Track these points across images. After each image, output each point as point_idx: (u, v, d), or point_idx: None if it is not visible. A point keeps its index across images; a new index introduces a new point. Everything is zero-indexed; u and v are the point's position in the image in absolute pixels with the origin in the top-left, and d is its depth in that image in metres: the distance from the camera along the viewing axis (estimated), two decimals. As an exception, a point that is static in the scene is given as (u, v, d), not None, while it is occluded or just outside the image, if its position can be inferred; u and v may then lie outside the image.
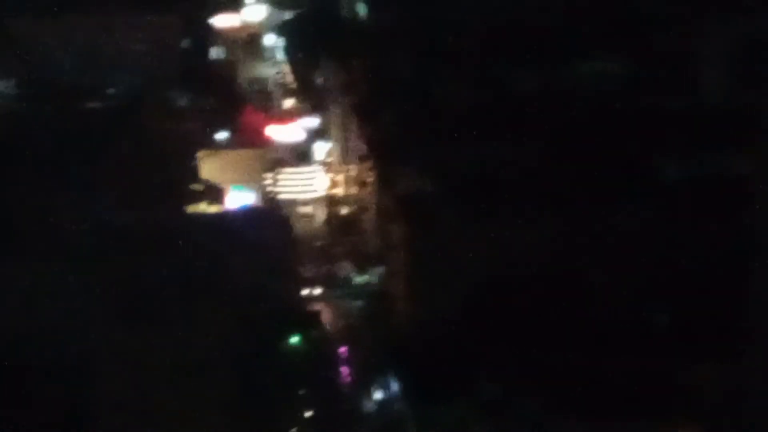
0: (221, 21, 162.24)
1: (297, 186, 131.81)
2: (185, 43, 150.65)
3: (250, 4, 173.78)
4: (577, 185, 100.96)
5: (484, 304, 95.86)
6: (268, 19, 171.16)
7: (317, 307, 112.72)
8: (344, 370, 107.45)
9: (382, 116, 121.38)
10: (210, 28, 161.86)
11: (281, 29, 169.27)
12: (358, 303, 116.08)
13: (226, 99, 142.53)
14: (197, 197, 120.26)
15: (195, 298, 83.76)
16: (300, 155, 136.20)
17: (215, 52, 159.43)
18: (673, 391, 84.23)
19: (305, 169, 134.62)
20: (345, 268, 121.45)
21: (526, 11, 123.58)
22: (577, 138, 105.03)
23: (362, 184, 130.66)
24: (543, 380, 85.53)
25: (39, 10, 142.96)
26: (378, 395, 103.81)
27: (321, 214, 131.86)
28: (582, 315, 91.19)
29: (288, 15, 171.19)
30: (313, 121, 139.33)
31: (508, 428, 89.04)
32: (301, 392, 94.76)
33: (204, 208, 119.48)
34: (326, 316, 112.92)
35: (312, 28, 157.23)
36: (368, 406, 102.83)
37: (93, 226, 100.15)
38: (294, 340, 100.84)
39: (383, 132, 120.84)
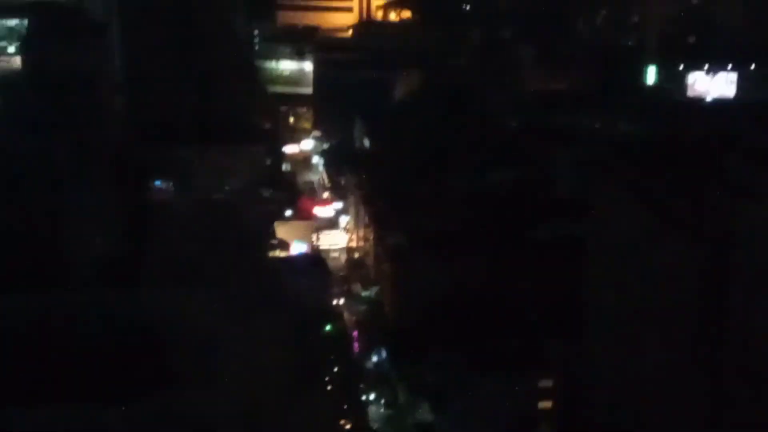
0: (290, 149, 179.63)
1: (329, 241, 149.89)
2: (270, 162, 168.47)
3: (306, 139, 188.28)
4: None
5: (434, 310, 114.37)
6: (314, 148, 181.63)
7: (341, 309, 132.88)
8: (356, 346, 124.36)
9: (376, 207, 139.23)
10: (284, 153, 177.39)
11: (320, 154, 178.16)
12: (364, 307, 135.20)
13: (292, 192, 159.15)
14: (276, 246, 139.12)
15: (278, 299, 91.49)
16: (330, 224, 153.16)
17: (285, 167, 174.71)
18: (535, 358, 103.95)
19: (333, 232, 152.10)
20: (355, 287, 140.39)
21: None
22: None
23: (365, 240, 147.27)
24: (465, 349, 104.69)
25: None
26: (375, 360, 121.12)
27: (342, 257, 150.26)
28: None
29: (324, 146, 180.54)
30: (338, 205, 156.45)
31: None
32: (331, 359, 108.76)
33: (279, 252, 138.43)
34: (346, 314, 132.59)
35: (337, 156, 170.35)
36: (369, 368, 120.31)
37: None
38: (327, 329, 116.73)
39: (377, 212, 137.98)
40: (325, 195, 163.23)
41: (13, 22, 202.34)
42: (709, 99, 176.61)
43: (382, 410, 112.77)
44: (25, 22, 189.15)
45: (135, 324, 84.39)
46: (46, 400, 77.19)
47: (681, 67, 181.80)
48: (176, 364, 79.57)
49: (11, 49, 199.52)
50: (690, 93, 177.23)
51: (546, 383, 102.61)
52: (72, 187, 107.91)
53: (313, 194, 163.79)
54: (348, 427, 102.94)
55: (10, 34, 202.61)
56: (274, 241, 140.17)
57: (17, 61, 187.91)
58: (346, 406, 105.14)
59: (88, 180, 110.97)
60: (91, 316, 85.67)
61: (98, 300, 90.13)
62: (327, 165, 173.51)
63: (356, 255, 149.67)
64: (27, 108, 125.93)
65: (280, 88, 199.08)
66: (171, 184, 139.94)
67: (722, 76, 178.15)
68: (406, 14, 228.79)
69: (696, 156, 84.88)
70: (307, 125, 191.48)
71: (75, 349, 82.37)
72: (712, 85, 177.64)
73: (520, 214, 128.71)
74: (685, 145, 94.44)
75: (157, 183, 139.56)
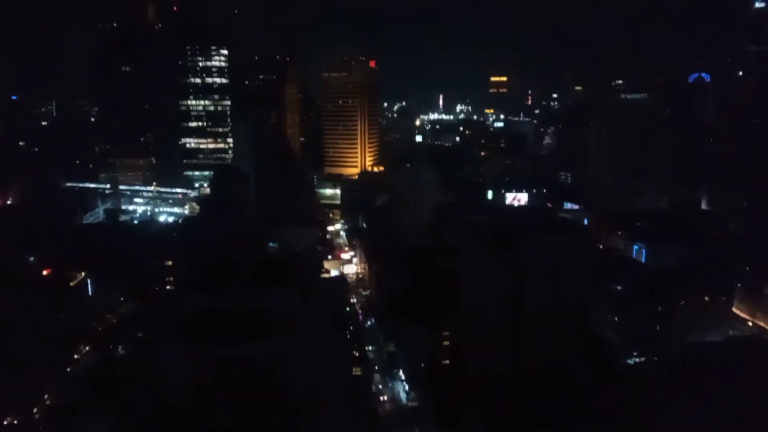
0: (330, 228, 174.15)
1: (348, 270, 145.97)
2: (321, 233, 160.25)
3: (337, 224, 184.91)
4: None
5: (394, 300, 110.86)
6: (340, 227, 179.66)
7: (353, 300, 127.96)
8: (360, 317, 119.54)
9: (368, 255, 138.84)
10: (327, 230, 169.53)
11: (344, 230, 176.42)
12: (363, 299, 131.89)
13: (331, 247, 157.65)
14: (325, 271, 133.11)
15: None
16: (348, 262, 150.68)
17: (328, 236, 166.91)
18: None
19: (349, 266, 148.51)
20: (360, 290, 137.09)
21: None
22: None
23: (364, 269, 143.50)
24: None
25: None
26: (369, 324, 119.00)
27: (354, 277, 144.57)
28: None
29: (345, 227, 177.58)
30: (351, 253, 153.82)
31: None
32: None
33: (326, 274, 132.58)
34: (355, 302, 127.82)
35: (350, 231, 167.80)
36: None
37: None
38: (347, 309, 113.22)
39: (369, 257, 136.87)
40: (346, 248, 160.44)
41: (206, 173, 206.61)
42: (515, 204, 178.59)
43: (372, 348, 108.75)
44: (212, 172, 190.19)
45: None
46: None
47: (503, 191, 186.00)
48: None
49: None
50: (507, 202, 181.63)
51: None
52: (237, 244, 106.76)
53: (340, 248, 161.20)
54: (357, 354, 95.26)
55: (205, 177, 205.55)
56: (324, 270, 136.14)
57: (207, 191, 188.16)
58: (356, 346, 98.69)
59: (245, 242, 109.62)
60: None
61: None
62: (347, 235, 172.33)
63: (360, 276, 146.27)
64: (217, 209, 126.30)
65: (325, 201, 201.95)
66: (278, 244, 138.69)
67: (520, 195, 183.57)
68: (380, 168, 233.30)
69: (508, 229, 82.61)
70: (337, 217, 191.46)
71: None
72: (515, 199, 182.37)
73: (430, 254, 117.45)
74: (505, 225, 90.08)
75: (272, 244, 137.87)
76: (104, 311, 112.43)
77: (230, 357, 70.63)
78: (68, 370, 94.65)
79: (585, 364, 72.22)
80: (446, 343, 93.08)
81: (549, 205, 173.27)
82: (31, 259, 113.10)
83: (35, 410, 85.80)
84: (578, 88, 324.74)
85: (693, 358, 75.97)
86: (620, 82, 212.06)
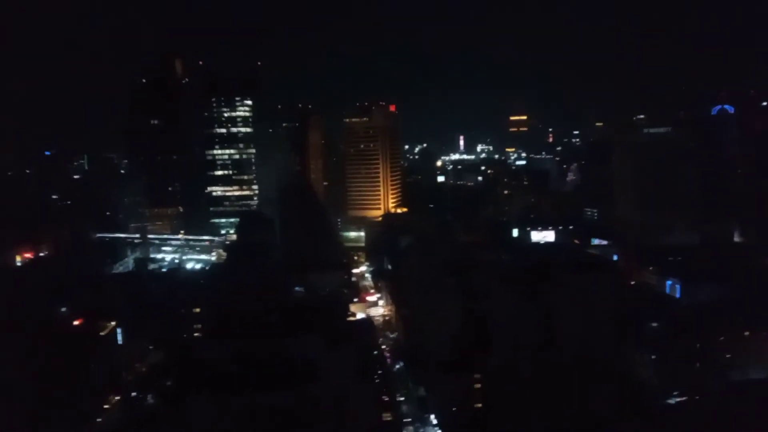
0: (355, 270, 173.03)
1: (374, 312, 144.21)
2: (347, 276, 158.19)
3: (362, 266, 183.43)
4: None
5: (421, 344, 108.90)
6: (366, 270, 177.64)
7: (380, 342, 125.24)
8: (388, 360, 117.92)
9: (394, 297, 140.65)
10: (352, 273, 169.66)
11: (369, 272, 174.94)
12: (391, 341, 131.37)
13: (357, 290, 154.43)
14: (351, 315, 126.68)
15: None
16: (374, 304, 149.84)
17: (354, 278, 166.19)
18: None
19: (375, 308, 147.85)
20: (386, 332, 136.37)
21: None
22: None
23: (390, 311, 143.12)
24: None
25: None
26: (397, 366, 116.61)
27: (380, 319, 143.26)
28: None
29: (370, 269, 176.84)
30: (377, 296, 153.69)
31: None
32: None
33: (352, 317, 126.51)
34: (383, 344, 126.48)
35: (375, 273, 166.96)
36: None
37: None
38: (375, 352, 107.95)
39: (395, 300, 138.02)
40: (371, 291, 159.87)
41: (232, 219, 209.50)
42: (541, 242, 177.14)
43: (401, 392, 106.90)
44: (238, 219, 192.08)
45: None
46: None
47: (527, 229, 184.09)
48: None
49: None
50: (533, 240, 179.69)
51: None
52: (264, 290, 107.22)
53: (366, 291, 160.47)
54: (386, 399, 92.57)
55: (231, 224, 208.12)
56: (350, 313, 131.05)
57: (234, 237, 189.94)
58: (385, 391, 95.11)
59: (271, 287, 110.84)
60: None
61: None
62: (372, 277, 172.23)
63: (387, 318, 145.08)
64: (244, 255, 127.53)
65: (350, 244, 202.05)
66: (304, 288, 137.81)
67: (546, 232, 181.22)
68: (403, 209, 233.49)
69: (536, 267, 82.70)
70: (362, 260, 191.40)
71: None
72: (542, 236, 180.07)
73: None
74: (532, 263, 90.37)
75: (298, 288, 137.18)
76: (133, 360, 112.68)
77: (258, 405, 70.44)
78: (98, 420, 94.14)
79: (622, 405, 69.78)
80: (477, 386, 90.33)
81: (576, 241, 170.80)
82: (63, 309, 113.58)
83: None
84: (599, 124, 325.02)
85: (736, 396, 73.43)
86: (642, 116, 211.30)
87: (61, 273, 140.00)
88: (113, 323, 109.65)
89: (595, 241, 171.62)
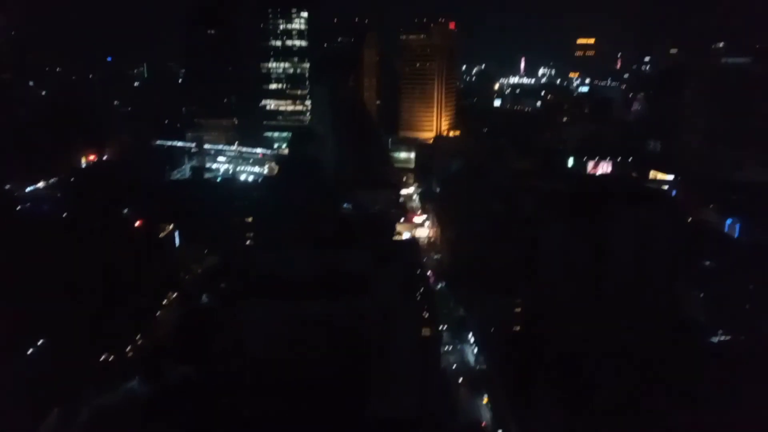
0: (404, 191, 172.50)
1: (420, 234, 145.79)
2: (395, 196, 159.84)
3: (411, 187, 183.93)
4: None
5: (465, 265, 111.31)
6: (414, 191, 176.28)
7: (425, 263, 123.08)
8: (431, 280, 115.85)
9: (441, 219, 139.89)
10: (401, 194, 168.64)
11: (417, 193, 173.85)
12: (434, 263, 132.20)
13: (404, 210, 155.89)
14: (397, 234, 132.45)
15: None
16: (420, 225, 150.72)
17: (401, 199, 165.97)
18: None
19: (422, 229, 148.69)
20: (431, 253, 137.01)
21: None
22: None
23: (435, 233, 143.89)
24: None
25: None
26: (439, 287, 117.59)
27: (425, 241, 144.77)
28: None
29: (418, 190, 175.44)
30: (423, 217, 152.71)
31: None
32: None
33: (398, 237, 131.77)
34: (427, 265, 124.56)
35: (423, 194, 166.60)
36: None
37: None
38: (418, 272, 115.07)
39: (441, 221, 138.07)
40: (418, 212, 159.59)
41: (284, 134, 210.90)
42: (597, 173, 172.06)
43: (442, 311, 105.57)
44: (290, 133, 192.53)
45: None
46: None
47: (584, 159, 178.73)
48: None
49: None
50: (589, 170, 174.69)
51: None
52: (314, 204, 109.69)
53: (413, 212, 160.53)
54: (427, 316, 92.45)
55: (283, 138, 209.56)
56: (396, 232, 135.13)
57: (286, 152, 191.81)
58: (426, 308, 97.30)
59: (321, 202, 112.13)
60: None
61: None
62: (420, 199, 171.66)
63: (432, 240, 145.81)
64: (295, 169, 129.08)
65: (399, 164, 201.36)
66: (353, 206, 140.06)
67: (603, 163, 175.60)
68: (456, 132, 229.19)
69: (589, 198, 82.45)
70: (411, 181, 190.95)
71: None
72: (598, 167, 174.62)
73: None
74: (586, 193, 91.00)
75: (346, 205, 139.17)
76: (190, 262, 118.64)
77: (306, 313, 73.28)
78: (157, 315, 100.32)
79: (667, 340, 69.29)
80: (518, 310, 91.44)
81: (634, 174, 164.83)
82: (125, 211, 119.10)
83: (128, 349, 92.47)
84: (674, 50, 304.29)
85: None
86: (721, 45, 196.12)
87: (123, 177, 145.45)
88: (171, 227, 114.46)
89: (656, 175, 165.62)
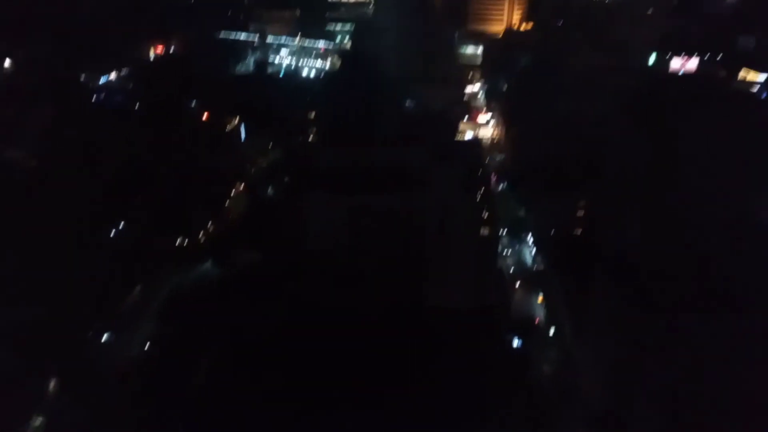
0: (469, 89, 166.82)
1: (483, 133, 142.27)
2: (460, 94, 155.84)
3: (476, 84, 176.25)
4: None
5: (526, 165, 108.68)
6: (479, 88, 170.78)
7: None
8: (494, 180, 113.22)
9: (505, 117, 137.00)
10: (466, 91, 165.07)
11: (483, 91, 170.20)
12: (496, 163, 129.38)
13: (469, 108, 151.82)
14: (461, 133, 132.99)
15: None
16: (485, 124, 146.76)
17: (466, 96, 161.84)
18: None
19: (486, 128, 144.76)
20: (494, 153, 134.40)
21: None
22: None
23: (498, 132, 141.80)
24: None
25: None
26: (501, 186, 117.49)
27: (489, 140, 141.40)
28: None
29: (484, 88, 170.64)
30: (488, 116, 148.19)
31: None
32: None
33: (462, 136, 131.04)
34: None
35: (489, 92, 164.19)
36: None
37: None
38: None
39: (505, 120, 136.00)
40: (483, 111, 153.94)
41: (347, 27, 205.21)
42: (680, 71, 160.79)
43: (502, 211, 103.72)
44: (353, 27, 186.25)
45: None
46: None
47: (668, 56, 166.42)
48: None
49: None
50: (671, 68, 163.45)
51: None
52: (376, 99, 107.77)
53: (477, 110, 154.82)
54: (487, 215, 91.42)
55: (346, 32, 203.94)
56: (459, 131, 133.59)
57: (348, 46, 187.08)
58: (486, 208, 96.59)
59: (383, 98, 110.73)
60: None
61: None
62: (485, 97, 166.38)
63: (496, 140, 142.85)
64: (358, 64, 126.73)
65: (466, 60, 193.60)
66: (415, 102, 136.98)
67: (688, 60, 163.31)
68: (527, 26, 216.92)
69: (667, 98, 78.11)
70: (477, 78, 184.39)
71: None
72: (682, 64, 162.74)
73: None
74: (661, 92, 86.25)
75: (409, 102, 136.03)
76: (255, 156, 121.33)
77: (366, 208, 75.06)
78: (226, 204, 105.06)
79: (739, 249, 65.73)
80: (581, 213, 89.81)
81: (722, 73, 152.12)
82: (193, 103, 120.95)
83: (201, 235, 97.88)
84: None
85: None
86: None
87: (189, 70, 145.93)
88: (236, 120, 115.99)
89: (746, 75, 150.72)
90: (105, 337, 75.41)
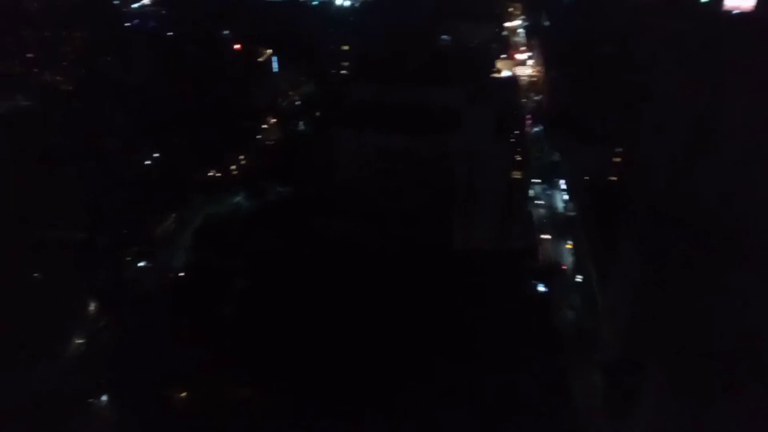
0: (507, 24, 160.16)
1: (521, 72, 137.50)
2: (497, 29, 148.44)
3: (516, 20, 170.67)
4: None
5: (562, 109, 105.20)
6: (519, 25, 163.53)
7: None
8: (528, 122, 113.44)
9: (546, 57, 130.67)
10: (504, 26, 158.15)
11: (523, 28, 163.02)
12: (533, 104, 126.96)
13: (506, 45, 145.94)
14: (496, 71, 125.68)
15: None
16: (522, 63, 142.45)
17: (504, 32, 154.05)
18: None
19: (523, 67, 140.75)
20: (530, 94, 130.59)
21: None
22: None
23: (538, 72, 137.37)
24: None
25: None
26: (535, 130, 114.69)
27: (526, 79, 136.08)
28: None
29: (524, 24, 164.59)
30: (527, 54, 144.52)
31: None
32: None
33: (497, 74, 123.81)
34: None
35: (530, 29, 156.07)
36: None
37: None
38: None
39: (546, 60, 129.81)
40: (522, 48, 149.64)
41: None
42: (733, 11, 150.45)
43: (535, 155, 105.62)
44: None
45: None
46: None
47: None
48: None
49: None
50: (725, 6, 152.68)
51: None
52: (410, 34, 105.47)
53: (516, 47, 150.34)
54: (519, 159, 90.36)
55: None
56: (495, 69, 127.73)
57: None
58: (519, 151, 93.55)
59: (418, 33, 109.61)
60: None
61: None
62: (525, 33, 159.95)
63: (534, 79, 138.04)
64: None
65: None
66: (451, 37, 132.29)
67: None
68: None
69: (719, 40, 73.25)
70: (518, 13, 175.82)
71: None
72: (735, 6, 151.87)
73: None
74: (713, 35, 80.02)
75: (444, 37, 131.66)
76: (287, 88, 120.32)
77: (396, 145, 74.78)
78: (257, 137, 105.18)
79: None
80: (617, 159, 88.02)
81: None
82: (225, 32, 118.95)
83: (233, 167, 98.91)
84: None
85: None
86: None
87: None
88: (269, 52, 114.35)
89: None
90: (142, 262, 77.93)
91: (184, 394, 59.10)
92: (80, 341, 66.69)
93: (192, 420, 54.99)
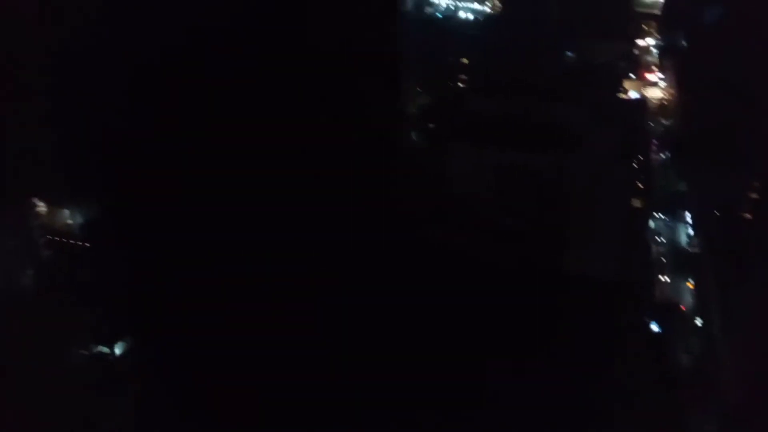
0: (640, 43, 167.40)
1: (650, 94, 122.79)
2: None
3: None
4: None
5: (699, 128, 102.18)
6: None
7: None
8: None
9: (680, 80, 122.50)
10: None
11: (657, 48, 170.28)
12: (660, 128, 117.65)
13: (636, 65, 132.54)
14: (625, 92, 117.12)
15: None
16: (653, 85, 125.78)
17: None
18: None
19: (654, 89, 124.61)
20: (658, 117, 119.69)
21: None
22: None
23: (673, 95, 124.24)
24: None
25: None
26: None
27: (654, 101, 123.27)
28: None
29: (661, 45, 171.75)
30: (659, 75, 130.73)
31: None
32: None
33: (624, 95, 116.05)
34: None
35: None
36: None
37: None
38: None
39: (681, 83, 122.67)
40: (654, 69, 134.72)
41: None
42: None
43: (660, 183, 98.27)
44: None
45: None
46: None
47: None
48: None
49: None
50: None
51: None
52: (535, 49, 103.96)
53: (647, 68, 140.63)
54: (641, 187, 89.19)
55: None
56: (622, 89, 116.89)
57: None
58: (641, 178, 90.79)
59: (544, 48, 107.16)
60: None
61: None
62: (659, 53, 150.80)
63: (664, 102, 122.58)
64: (517, 9, 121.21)
65: (642, 9, 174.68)
66: (576, 54, 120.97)
67: None
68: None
69: None
70: (652, 30, 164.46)
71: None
72: None
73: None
74: None
75: (569, 53, 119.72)
76: (402, 97, 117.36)
77: (513, 164, 74.88)
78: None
79: None
80: (754, 195, 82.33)
81: None
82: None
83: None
84: None
85: None
86: None
87: None
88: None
89: None
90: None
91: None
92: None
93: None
